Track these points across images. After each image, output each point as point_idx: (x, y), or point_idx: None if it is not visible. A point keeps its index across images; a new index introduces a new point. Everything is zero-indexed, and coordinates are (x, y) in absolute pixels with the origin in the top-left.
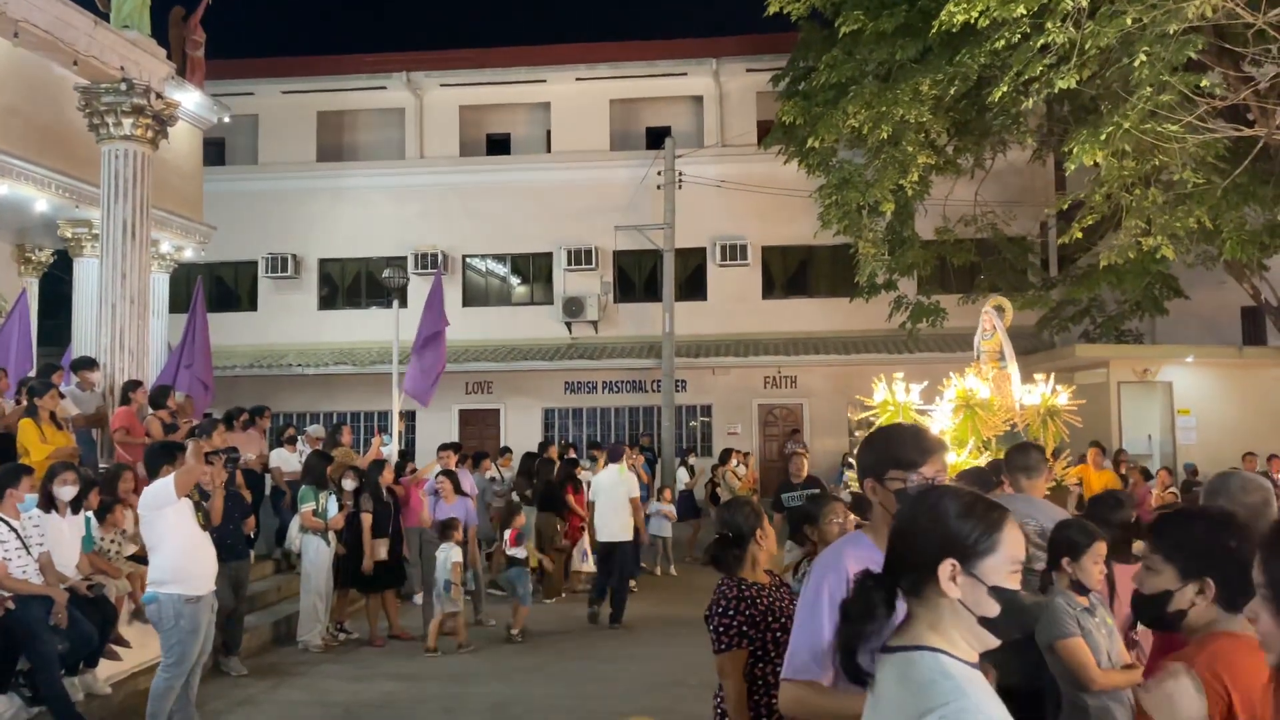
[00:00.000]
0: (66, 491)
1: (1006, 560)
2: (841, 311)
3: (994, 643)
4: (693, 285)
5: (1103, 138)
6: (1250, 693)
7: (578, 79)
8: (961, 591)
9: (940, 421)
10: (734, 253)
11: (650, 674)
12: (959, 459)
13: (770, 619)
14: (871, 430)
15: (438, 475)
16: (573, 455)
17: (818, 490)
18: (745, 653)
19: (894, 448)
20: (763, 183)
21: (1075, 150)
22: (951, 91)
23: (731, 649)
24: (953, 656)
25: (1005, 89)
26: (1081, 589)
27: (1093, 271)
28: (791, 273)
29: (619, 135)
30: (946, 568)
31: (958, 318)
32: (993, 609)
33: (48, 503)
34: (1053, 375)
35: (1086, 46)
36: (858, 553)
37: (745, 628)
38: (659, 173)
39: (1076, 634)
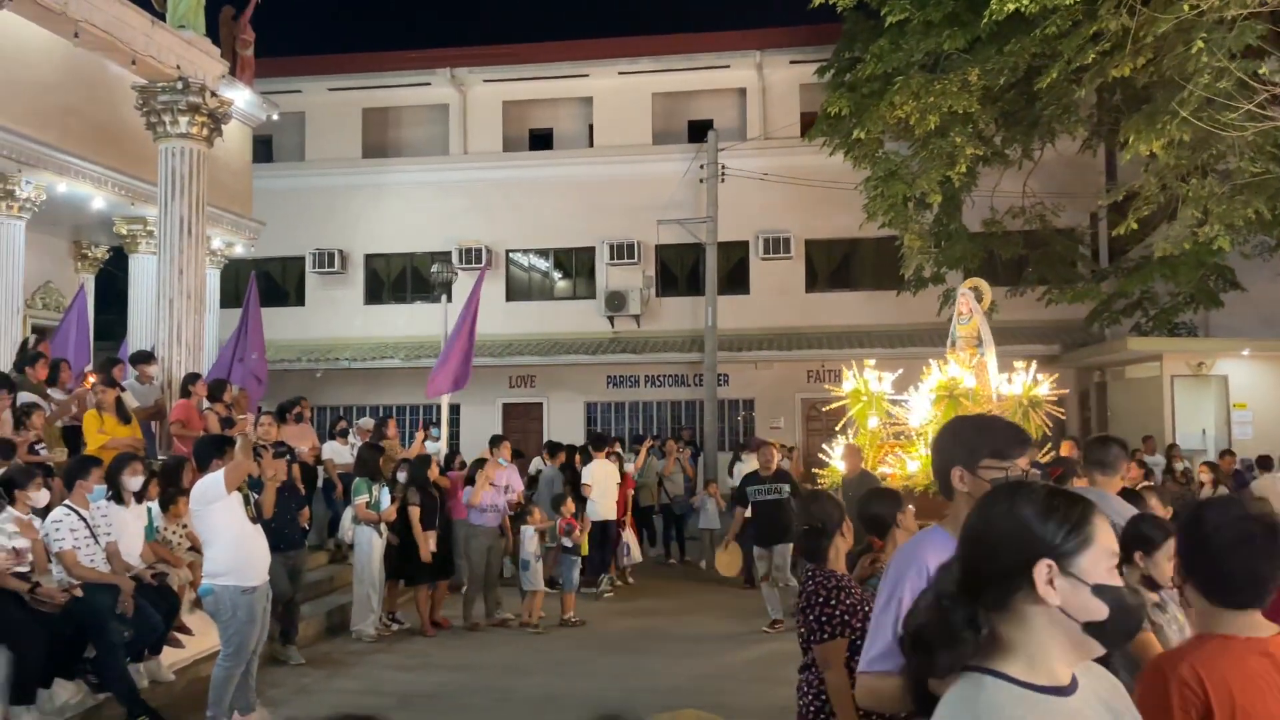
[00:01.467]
0: (134, 482)
1: (1104, 553)
2: (887, 305)
3: (1099, 651)
4: (735, 279)
5: (1159, 126)
6: (1231, 699)
7: (620, 73)
8: (1061, 597)
9: (918, 413)
10: (777, 246)
11: (699, 667)
12: None
13: (866, 610)
14: (956, 418)
15: (474, 462)
16: (617, 449)
17: (787, 485)
18: (846, 641)
19: (990, 437)
20: (806, 175)
21: (1130, 140)
22: (1001, 81)
23: (835, 638)
24: (1016, 682)
25: (1055, 76)
26: (1153, 585)
27: (1145, 263)
28: (835, 266)
29: (661, 129)
30: (1042, 570)
31: (1006, 311)
32: (1100, 611)
33: (116, 493)
34: (1034, 363)
35: (1141, 34)
36: (939, 546)
37: (846, 616)
38: (701, 166)
39: (1148, 629)
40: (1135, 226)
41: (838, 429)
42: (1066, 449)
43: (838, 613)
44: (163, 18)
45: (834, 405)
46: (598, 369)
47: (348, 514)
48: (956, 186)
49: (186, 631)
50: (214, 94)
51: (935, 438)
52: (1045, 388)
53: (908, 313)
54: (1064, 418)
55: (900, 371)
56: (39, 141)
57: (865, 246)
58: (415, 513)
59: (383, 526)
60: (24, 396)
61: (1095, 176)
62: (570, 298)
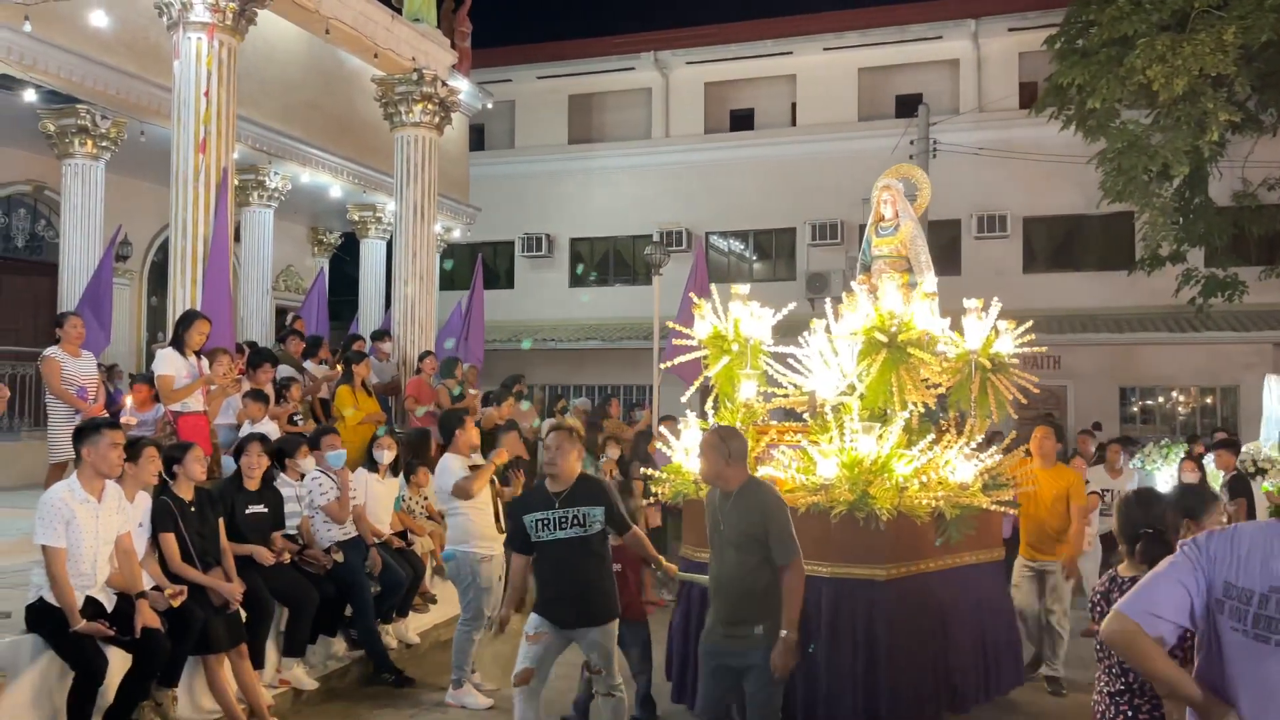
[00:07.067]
0: (385, 455)
1: None
2: (1114, 286)
3: None
4: (946, 259)
5: None
6: None
7: (825, 49)
8: None
9: (826, 376)
10: (992, 224)
11: None
12: (877, 444)
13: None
14: None
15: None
16: None
17: (600, 509)
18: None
19: None
20: (1026, 149)
21: None
22: (1263, 39)
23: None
24: None
25: None
26: None
27: None
28: (1057, 245)
29: (867, 105)
30: None
31: (1258, 292)
32: None
33: (371, 463)
34: (996, 302)
35: None
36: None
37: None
38: (911, 142)
39: None
40: None
41: (683, 400)
42: (1039, 439)
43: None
44: (399, 12)
45: (674, 362)
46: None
47: None
48: (1205, 156)
49: (430, 599)
50: (444, 84)
51: None
52: (1009, 342)
53: (1138, 295)
54: (1037, 391)
55: (792, 305)
56: (286, 135)
57: (1091, 224)
58: (638, 486)
59: None
60: (283, 370)
61: None
62: (769, 280)
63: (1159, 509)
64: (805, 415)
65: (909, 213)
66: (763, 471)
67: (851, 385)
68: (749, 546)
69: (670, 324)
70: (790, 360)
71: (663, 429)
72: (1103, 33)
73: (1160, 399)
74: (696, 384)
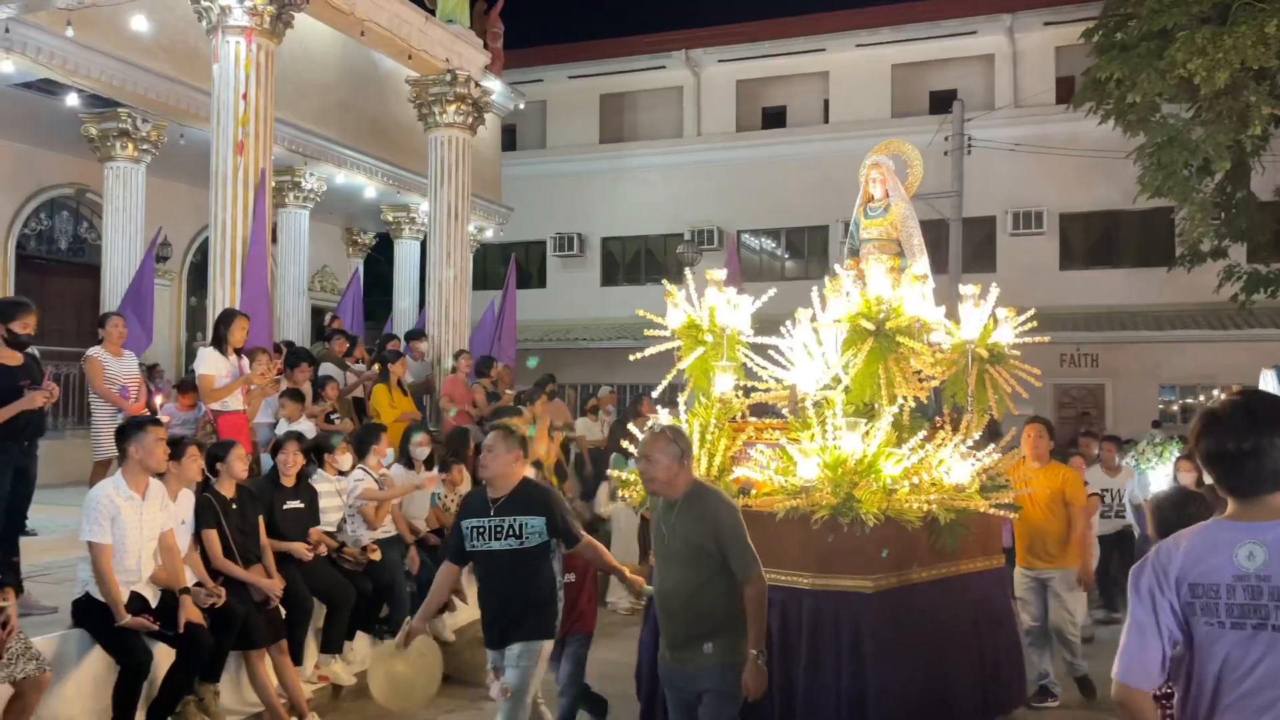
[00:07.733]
0: (420, 451)
1: None
2: (1153, 283)
3: None
4: (981, 256)
5: None
6: None
7: (858, 45)
8: None
9: (808, 368)
10: (1028, 221)
11: None
12: (862, 443)
13: None
14: None
15: None
16: None
17: (541, 519)
18: None
19: None
20: (1063, 145)
21: None
22: None
23: None
24: None
25: None
26: None
27: None
28: (1094, 241)
29: (901, 102)
30: None
31: None
32: None
33: (406, 460)
34: (995, 289)
35: None
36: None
37: None
38: (946, 138)
39: None
40: None
41: (654, 396)
42: (1031, 436)
43: None
44: (432, 13)
45: (646, 353)
46: None
47: (603, 488)
48: (1247, 151)
49: (462, 596)
50: (477, 84)
51: None
52: (1008, 332)
53: (1177, 292)
54: (1039, 385)
55: (772, 291)
56: (322, 136)
57: (1129, 220)
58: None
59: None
60: (325, 369)
61: None
62: (802, 278)
63: (1192, 509)
64: (785, 411)
65: (900, 192)
66: (739, 472)
67: (836, 377)
68: (698, 560)
69: (640, 312)
70: (772, 352)
71: (631, 426)
72: (1142, 26)
73: (1201, 397)
74: (669, 377)
